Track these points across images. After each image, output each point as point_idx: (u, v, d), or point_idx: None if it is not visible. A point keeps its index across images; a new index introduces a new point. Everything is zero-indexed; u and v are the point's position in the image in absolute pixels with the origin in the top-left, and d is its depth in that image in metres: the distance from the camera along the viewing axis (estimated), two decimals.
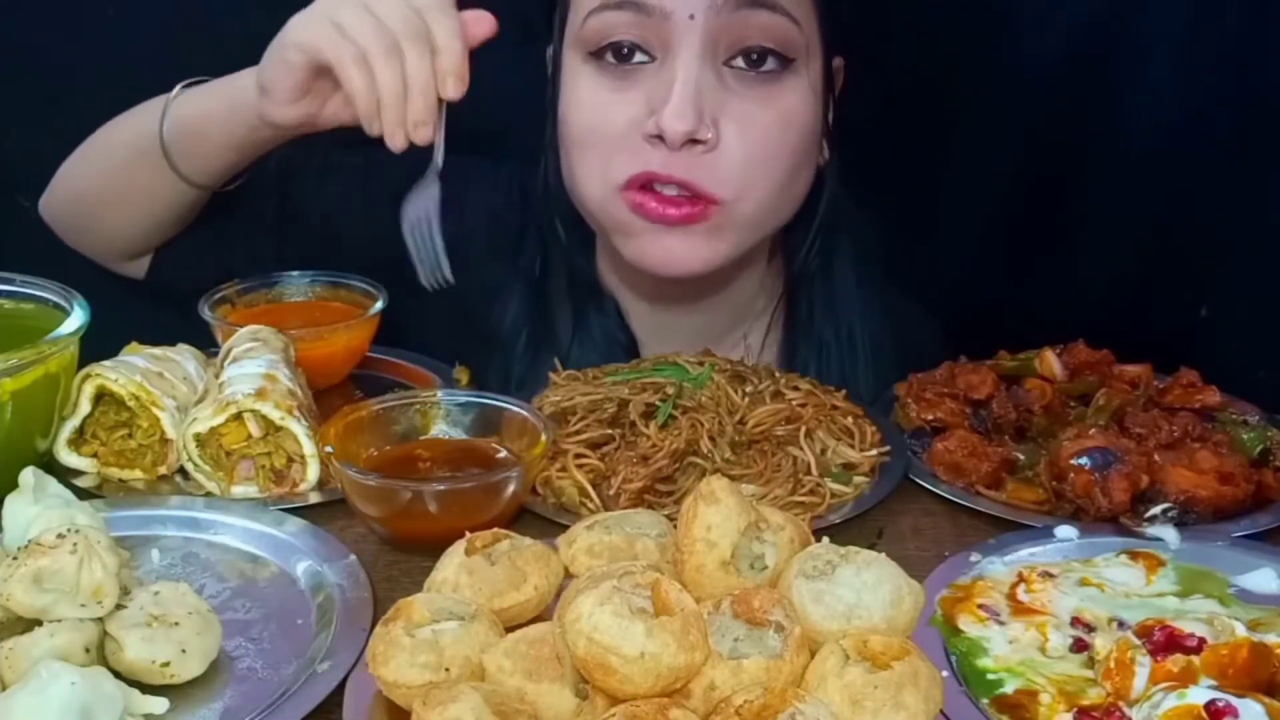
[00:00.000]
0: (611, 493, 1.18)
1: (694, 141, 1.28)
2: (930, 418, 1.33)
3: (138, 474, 1.25)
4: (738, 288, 1.51)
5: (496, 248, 1.53)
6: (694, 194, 1.31)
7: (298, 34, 1.24)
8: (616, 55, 1.31)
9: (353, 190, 1.54)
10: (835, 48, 1.39)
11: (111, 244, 1.54)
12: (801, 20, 1.31)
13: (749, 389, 1.30)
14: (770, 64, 1.31)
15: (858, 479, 1.23)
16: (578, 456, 1.22)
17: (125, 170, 1.45)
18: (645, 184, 1.31)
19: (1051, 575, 1.06)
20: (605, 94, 1.33)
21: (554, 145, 1.42)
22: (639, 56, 1.31)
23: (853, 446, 1.27)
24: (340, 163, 1.54)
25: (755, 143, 1.31)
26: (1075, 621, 1.00)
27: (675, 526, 1.00)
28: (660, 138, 1.28)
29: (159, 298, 1.58)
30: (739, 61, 1.30)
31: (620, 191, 1.33)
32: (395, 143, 1.21)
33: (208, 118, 1.38)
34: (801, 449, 1.24)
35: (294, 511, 1.18)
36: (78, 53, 1.70)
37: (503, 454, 1.22)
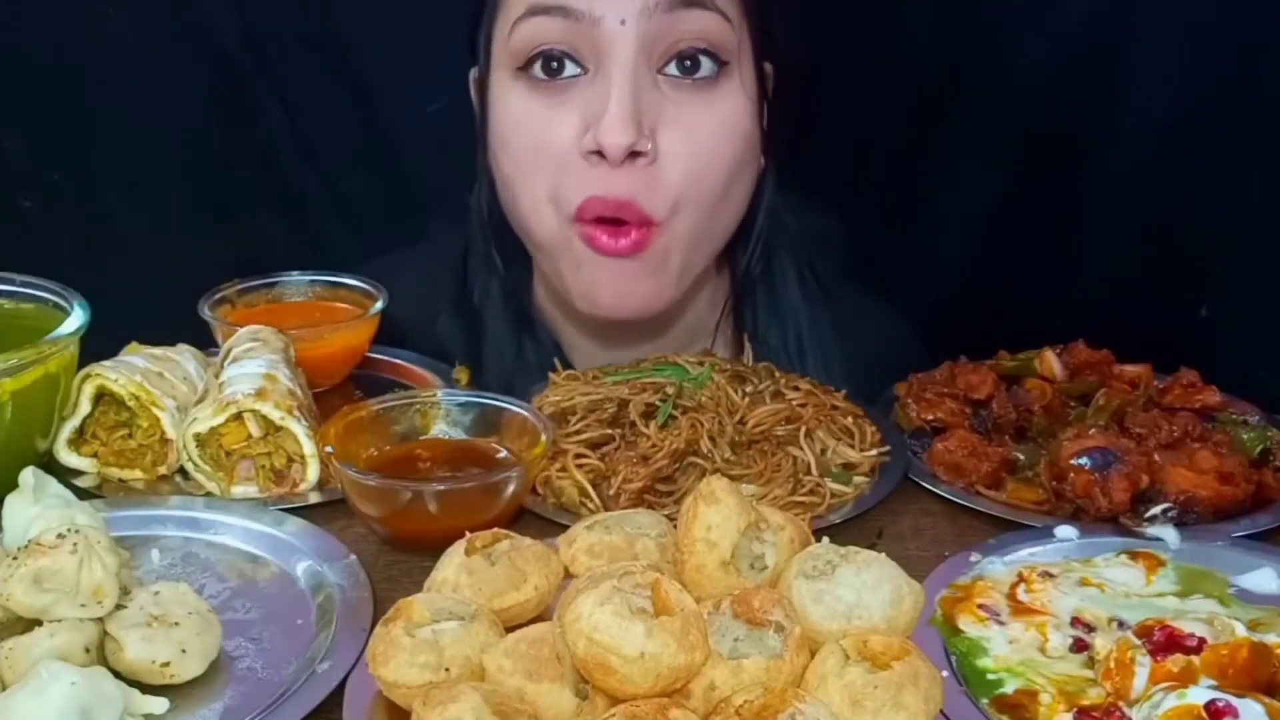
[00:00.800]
0: (611, 492, 1.19)
1: (634, 154, 1.25)
2: (930, 418, 1.33)
3: (138, 474, 1.25)
4: (690, 313, 1.48)
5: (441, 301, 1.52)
6: (635, 217, 1.28)
7: None
8: (546, 69, 1.27)
9: None
10: (765, 52, 1.36)
11: None
12: (733, 19, 1.28)
13: (749, 389, 1.30)
14: (705, 68, 1.27)
15: (858, 479, 1.23)
16: (578, 456, 1.22)
17: None
18: (597, 216, 1.28)
19: (1051, 575, 1.06)
20: (540, 111, 1.29)
21: (488, 171, 1.39)
22: (570, 69, 1.27)
23: (853, 446, 1.27)
24: None
25: (697, 151, 1.29)
26: (1075, 621, 1.00)
27: (675, 526, 1.00)
28: (600, 153, 1.25)
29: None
30: (672, 68, 1.27)
31: (574, 223, 1.30)
32: None
33: None
34: (801, 449, 1.24)
35: (294, 511, 1.18)
36: (78, 53, 1.70)
37: (503, 454, 1.22)
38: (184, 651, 0.94)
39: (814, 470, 1.22)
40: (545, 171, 1.30)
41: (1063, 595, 1.03)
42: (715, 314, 1.52)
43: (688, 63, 1.27)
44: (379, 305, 1.46)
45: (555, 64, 1.27)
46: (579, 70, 1.27)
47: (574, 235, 1.31)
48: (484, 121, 1.36)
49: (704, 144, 1.29)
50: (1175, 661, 0.92)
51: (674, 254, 1.33)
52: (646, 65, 1.26)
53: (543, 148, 1.30)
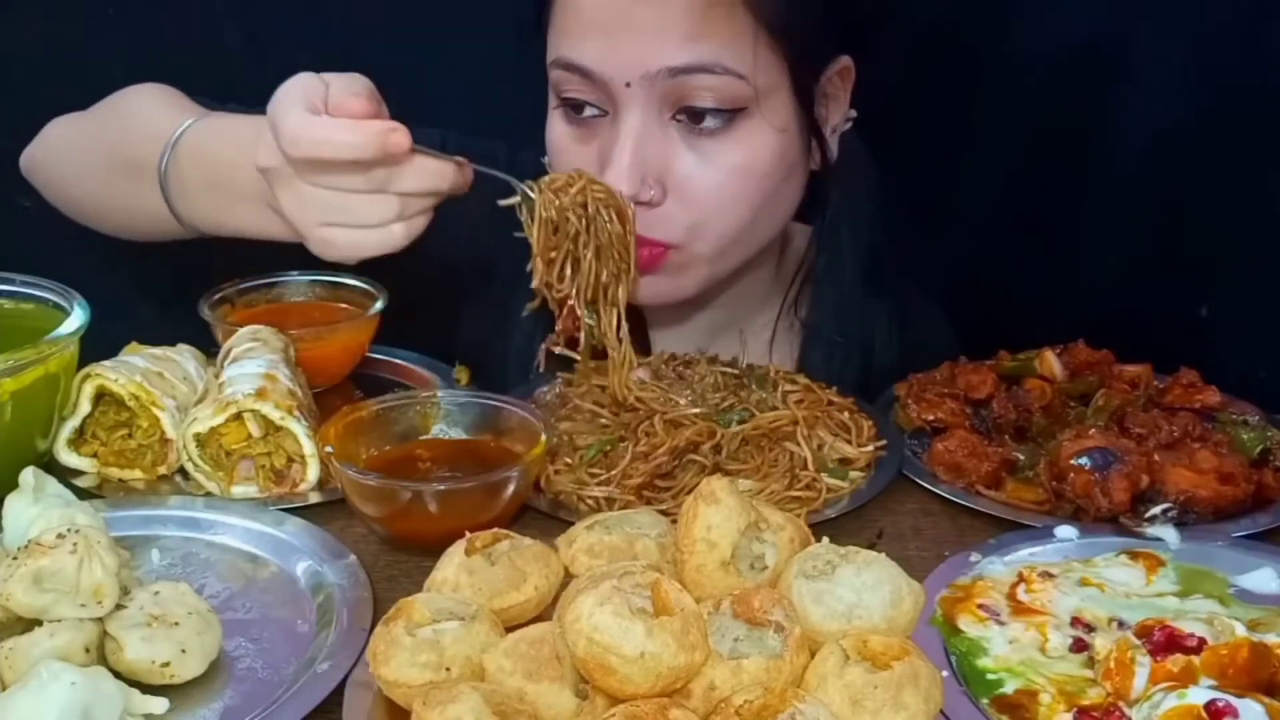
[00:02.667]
0: (611, 486, 1.19)
1: (639, 203, 1.28)
2: (930, 418, 1.33)
3: (138, 474, 1.25)
4: (744, 287, 1.50)
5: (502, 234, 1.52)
6: (646, 244, 1.30)
7: (282, 200, 1.16)
8: (576, 109, 1.33)
9: None
10: (821, 60, 1.36)
11: (112, 233, 1.51)
12: (748, 74, 1.27)
13: (753, 398, 1.30)
14: (709, 121, 1.29)
15: (854, 474, 1.24)
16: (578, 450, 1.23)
17: (130, 200, 1.38)
18: None
19: (1051, 575, 1.06)
20: (571, 144, 1.34)
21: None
22: (591, 110, 1.32)
23: (849, 442, 1.27)
24: None
25: (706, 194, 1.31)
26: (1075, 621, 1.00)
27: (675, 525, 1.00)
28: None
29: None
30: (683, 117, 1.29)
31: None
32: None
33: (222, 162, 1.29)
34: (799, 444, 1.24)
35: (294, 511, 1.18)
36: (78, 53, 1.70)
37: (503, 454, 1.22)
38: (184, 651, 0.94)
39: (811, 465, 1.22)
40: None
41: (1063, 595, 1.03)
42: (778, 292, 1.53)
43: (702, 115, 1.28)
44: (379, 305, 1.46)
45: (584, 107, 1.32)
46: (599, 112, 1.32)
47: None
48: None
49: (717, 187, 1.31)
50: (1175, 661, 0.92)
51: (695, 266, 1.36)
52: (657, 116, 1.29)
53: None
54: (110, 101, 1.46)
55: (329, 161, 1.11)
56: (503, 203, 1.23)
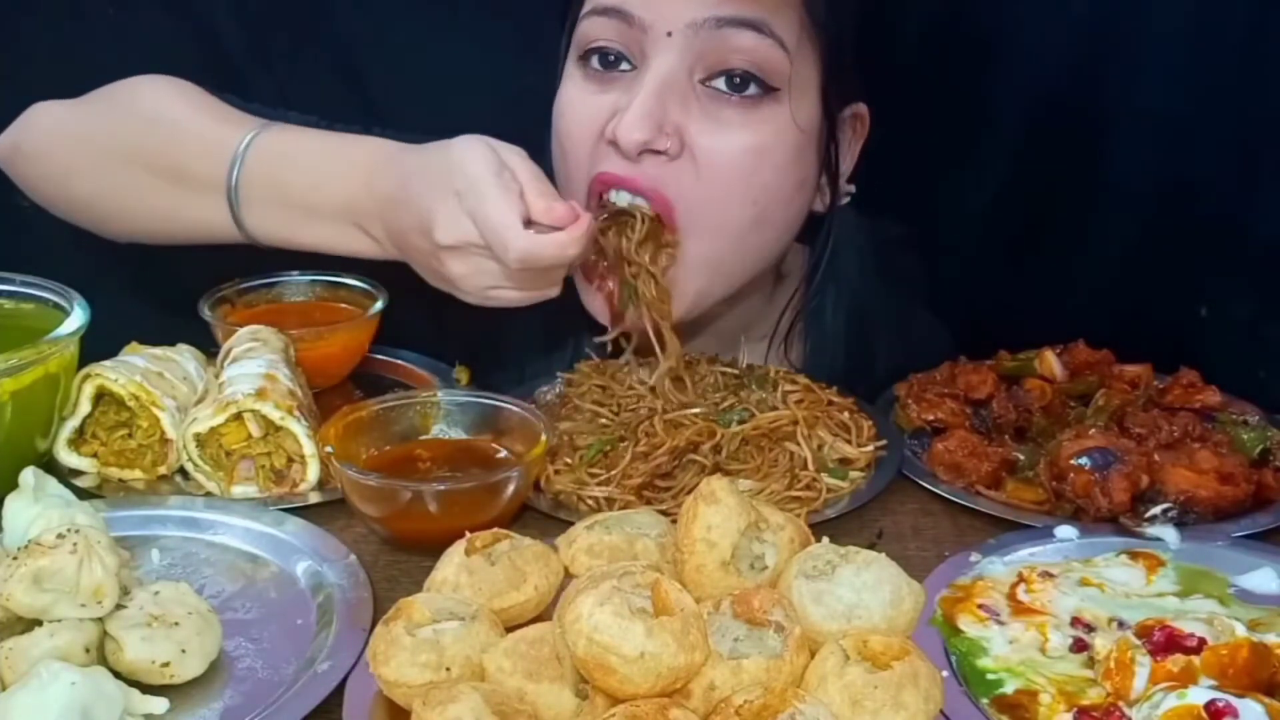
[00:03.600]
0: (611, 486, 1.19)
1: (654, 152, 1.26)
2: (930, 418, 1.33)
3: (138, 474, 1.25)
4: (730, 318, 1.47)
5: None
6: (656, 196, 1.28)
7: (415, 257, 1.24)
8: (603, 61, 1.30)
9: None
10: (846, 91, 1.35)
11: (113, 236, 1.49)
12: (790, 47, 1.26)
13: (753, 398, 1.30)
14: (752, 89, 1.26)
15: (854, 474, 1.24)
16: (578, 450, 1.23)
17: (168, 205, 1.37)
18: (603, 190, 1.29)
19: (1051, 575, 1.06)
20: (585, 97, 1.32)
21: (550, 153, 1.40)
22: (623, 65, 1.29)
23: (849, 442, 1.27)
24: None
25: (723, 161, 1.27)
26: (1075, 621, 1.00)
27: (675, 525, 1.00)
28: (616, 144, 1.26)
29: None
30: (719, 82, 1.26)
31: (588, 196, 1.30)
32: None
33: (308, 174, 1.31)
34: (799, 444, 1.24)
35: (294, 511, 1.19)
36: (78, 53, 1.70)
37: (503, 454, 1.22)
38: (184, 651, 0.94)
39: (811, 465, 1.22)
40: (573, 151, 1.33)
41: (1063, 595, 1.03)
42: (768, 326, 1.50)
43: (736, 80, 1.26)
44: (379, 305, 1.46)
45: (611, 57, 1.30)
46: (629, 66, 1.30)
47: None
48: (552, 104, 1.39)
49: (732, 157, 1.28)
50: (1175, 661, 0.92)
51: (692, 273, 1.32)
52: (687, 74, 1.26)
53: (573, 132, 1.32)
54: (117, 95, 1.42)
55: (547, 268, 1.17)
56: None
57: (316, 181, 1.29)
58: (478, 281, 1.20)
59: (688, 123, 1.27)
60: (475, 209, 1.15)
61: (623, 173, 1.28)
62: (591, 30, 1.30)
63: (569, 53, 1.36)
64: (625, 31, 1.27)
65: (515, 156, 1.19)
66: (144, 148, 1.37)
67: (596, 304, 1.35)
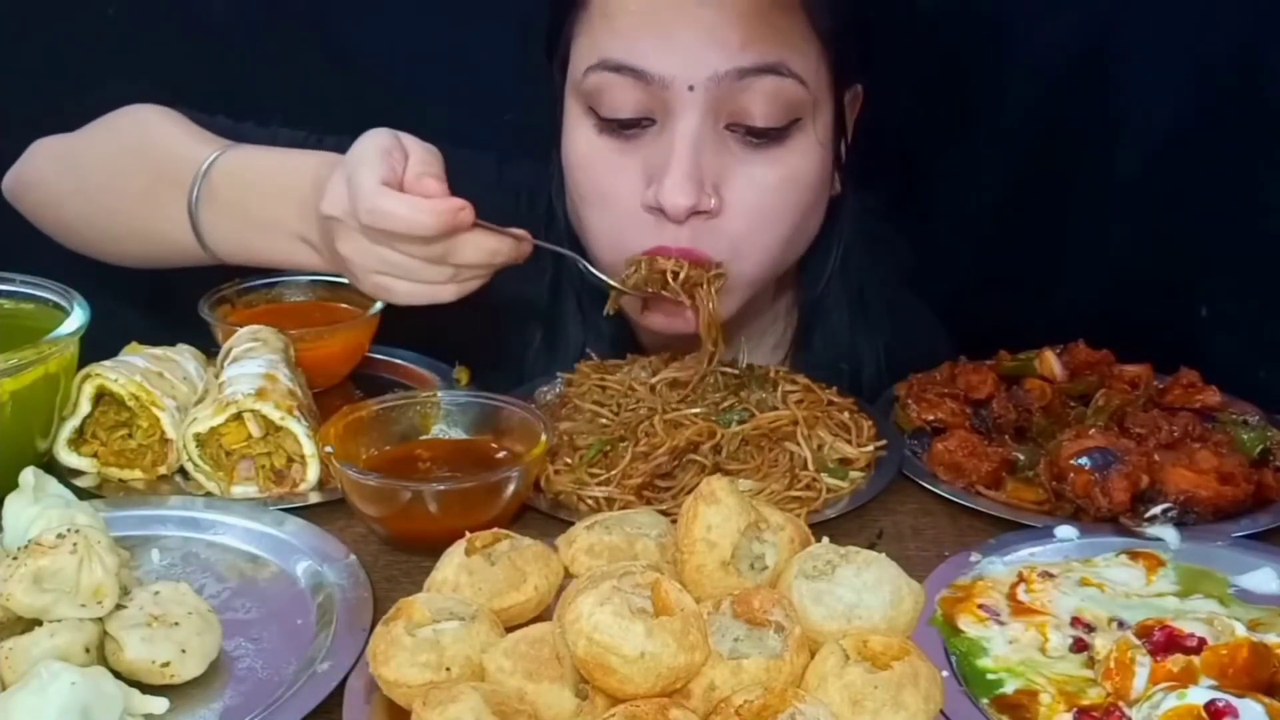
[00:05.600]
0: (611, 486, 1.19)
1: (697, 212, 1.26)
2: (930, 418, 1.33)
3: (138, 474, 1.25)
4: (751, 325, 1.48)
5: None
6: (698, 256, 1.28)
7: (343, 247, 1.21)
8: (621, 124, 1.28)
9: None
10: (848, 81, 1.36)
11: (107, 259, 1.51)
12: (809, 79, 1.26)
13: (753, 398, 1.30)
14: (766, 132, 1.27)
15: (854, 474, 1.24)
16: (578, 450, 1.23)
17: (143, 226, 1.40)
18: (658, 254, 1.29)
19: (1051, 575, 1.06)
20: (606, 156, 1.30)
21: (560, 170, 1.39)
22: (644, 121, 1.28)
23: (849, 442, 1.27)
24: None
25: (760, 205, 1.29)
26: (1075, 621, 1.00)
27: (675, 525, 1.00)
28: (662, 210, 1.26)
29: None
30: (737, 126, 1.26)
31: (635, 263, 1.31)
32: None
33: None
34: (799, 444, 1.24)
35: (294, 511, 1.19)
36: (78, 53, 1.70)
37: (503, 454, 1.22)
38: (184, 651, 0.94)
39: (810, 465, 1.22)
40: (609, 215, 1.32)
41: (1063, 595, 1.03)
42: (772, 315, 1.53)
43: (758, 124, 1.26)
44: (379, 305, 1.46)
45: (623, 121, 1.28)
46: (650, 121, 1.28)
47: (642, 279, 1.31)
48: (559, 125, 1.37)
49: (769, 198, 1.29)
50: (1175, 661, 0.92)
51: (736, 291, 1.33)
52: (713, 124, 1.26)
53: (607, 194, 1.31)
54: (108, 123, 1.46)
55: (399, 235, 1.15)
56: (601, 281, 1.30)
57: (266, 196, 1.31)
58: (364, 263, 1.20)
59: (723, 175, 1.27)
60: (351, 175, 1.16)
61: (673, 242, 1.28)
62: (601, 84, 1.27)
63: (569, 91, 1.33)
64: (644, 90, 1.25)
65: (416, 143, 1.19)
66: (123, 170, 1.41)
67: (659, 322, 1.35)
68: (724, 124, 1.26)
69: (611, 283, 1.31)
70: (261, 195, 1.31)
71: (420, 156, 1.18)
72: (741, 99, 1.25)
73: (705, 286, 1.29)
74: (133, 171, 1.40)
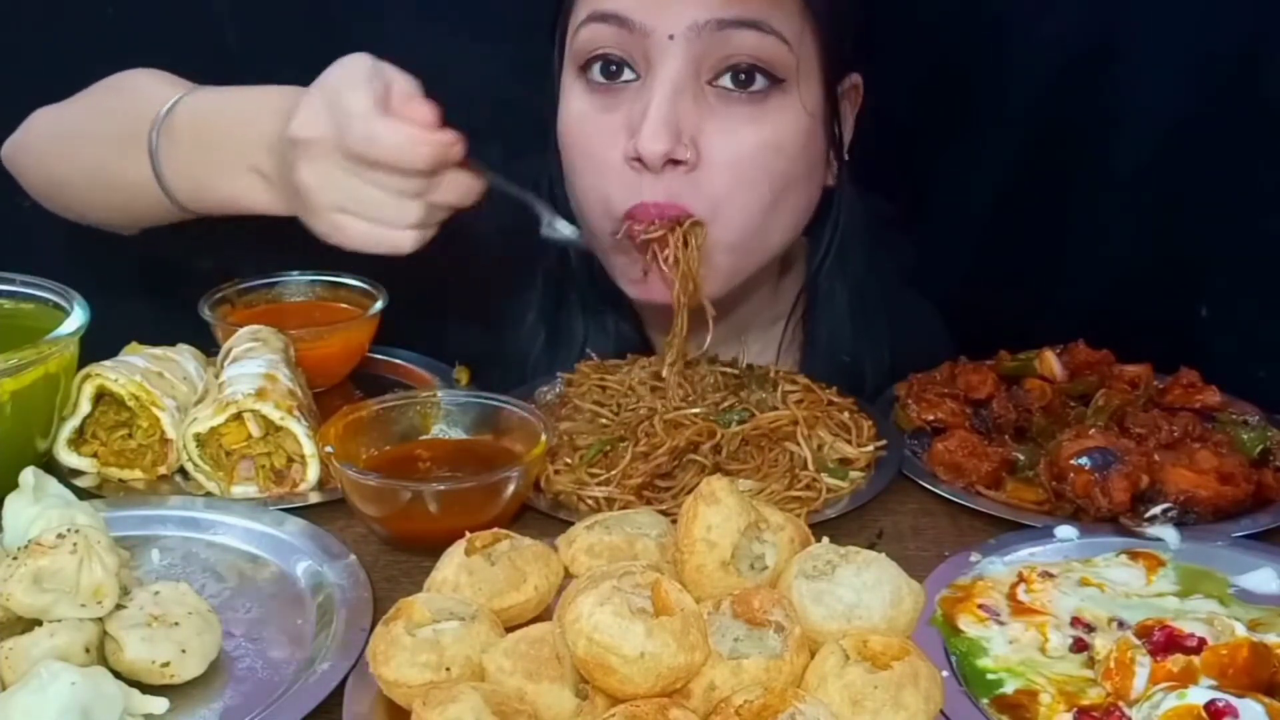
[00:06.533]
0: (611, 486, 1.19)
1: (674, 162, 1.26)
2: (930, 418, 1.33)
3: (138, 474, 1.25)
4: (744, 308, 1.48)
5: (511, 243, 1.52)
6: (677, 214, 1.28)
7: (305, 177, 1.15)
8: (605, 72, 1.30)
9: None
10: (843, 66, 1.36)
11: (104, 224, 1.49)
12: (792, 40, 1.27)
13: (753, 398, 1.30)
14: (759, 83, 1.27)
15: (854, 474, 1.24)
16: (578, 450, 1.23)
17: (115, 172, 1.36)
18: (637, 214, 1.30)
19: (1051, 575, 1.06)
20: (592, 115, 1.31)
21: (556, 155, 1.40)
22: (627, 73, 1.29)
23: (849, 442, 1.27)
24: None
25: (737, 162, 1.29)
26: (1075, 621, 1.00)
27: (675, 525, 1.00)
28: (640, 160, 1.26)
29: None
30: (725, 80, 1.27)
31: (622, 222, 1.32)
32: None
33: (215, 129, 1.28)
34: (799, 444, 1.24)
35: (294, 511, 1.19)
36: (78, 53, 1.70)
37: (503, 454, 1.22)
38: (184, 651, 0.94)
39: (811, 465, 1.22)
40: (595, 175, 1.33)
41: (1063, 595, 1.03)
42: (776, 312, 1.53)
43: (742, 76, 1.27)
44: (379, 305, 1.46)
45: (614, 67, 1.29)
46: (634, 75, 1.29)
47: (623, 233, 1.32)
48: (554, 109, 1.38)
49: (748, 156, 1.29)
50: (1175, 661, 0.92)
51: (718, 255, 1.33)
52: (694, 77, 1.27)
53: (594, 153, 1.32)
54: (100, 83, 1.44)
55: (390, 165, 1.11)
56: (551, 237, 1.27)
57: (221, 127, 1.26)
58: (325, 195, 1.14)
59: (701, 128, 1.27)
60: (334, 98, 1.12)
61: (650, 197, 1.28)
62: (592, 36, 1.29)
63: (565, 64, 1.35)
64: (626, 37, 1.27)
65: (396, 71, 1.16)
66: (102, 121, 1.39)
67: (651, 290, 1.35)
68: (706, 79, 1.27)
69: (571, 226, 1.29)
70: (217, 127, 1.27)
71: (405, 83, 1.15)
72: (722, 52, 1.26)
73: (677, 233, 1.28)
74: (111, 121, 1.38)
